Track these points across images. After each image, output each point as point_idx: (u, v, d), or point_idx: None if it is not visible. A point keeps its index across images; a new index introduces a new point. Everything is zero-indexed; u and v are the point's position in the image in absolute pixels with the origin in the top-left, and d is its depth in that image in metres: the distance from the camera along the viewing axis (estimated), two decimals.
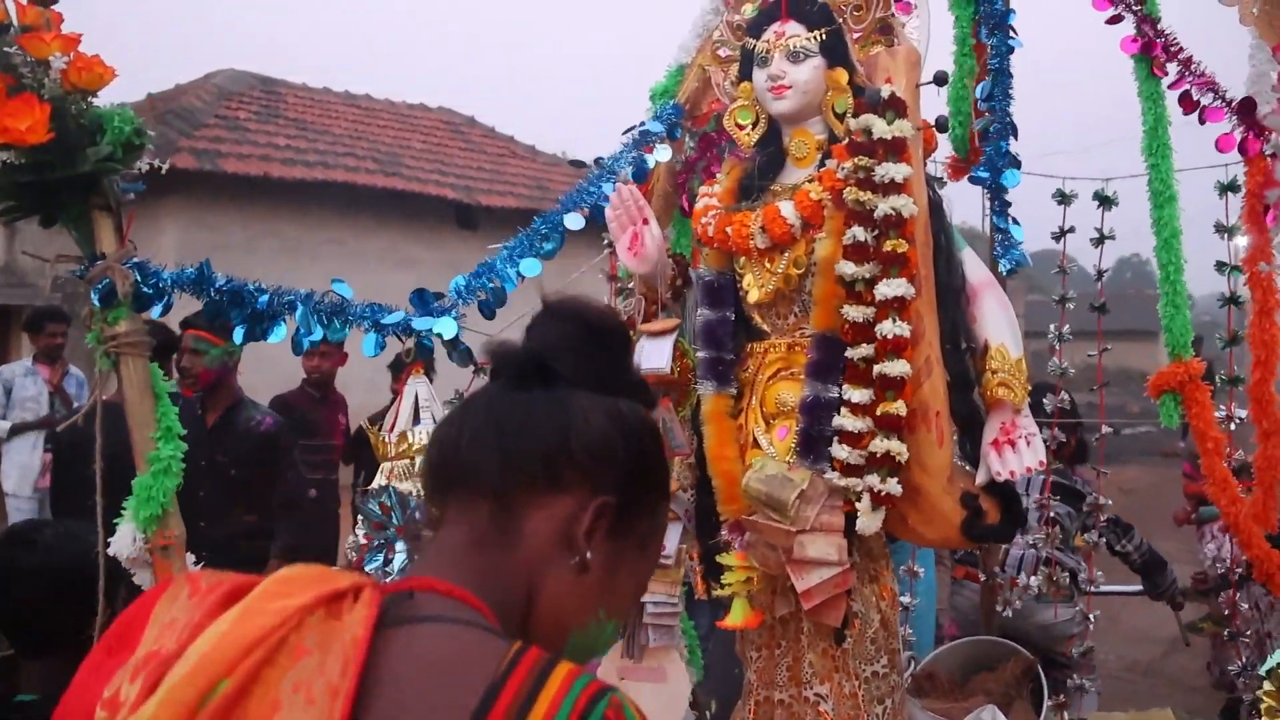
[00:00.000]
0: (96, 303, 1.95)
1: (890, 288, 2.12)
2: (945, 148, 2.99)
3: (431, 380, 2.72)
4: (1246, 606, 5.12)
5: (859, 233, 2.14)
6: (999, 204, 2.85)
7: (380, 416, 5.31)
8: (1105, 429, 3.43)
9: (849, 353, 2.19)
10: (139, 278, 1.96)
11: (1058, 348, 3.26)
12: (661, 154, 2.85)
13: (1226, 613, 3.79)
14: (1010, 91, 2.94)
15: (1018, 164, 2.86)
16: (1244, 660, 3.77)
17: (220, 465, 4.42)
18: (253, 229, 12.86)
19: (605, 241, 3.12)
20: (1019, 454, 2.22)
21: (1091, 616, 3.36)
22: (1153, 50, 2.82)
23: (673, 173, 3.02)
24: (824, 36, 2.35)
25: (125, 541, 1.96)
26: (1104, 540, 4.04)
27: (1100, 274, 3.34)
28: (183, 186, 11.66)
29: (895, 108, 2.15)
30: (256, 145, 13.18)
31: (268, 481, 4.50)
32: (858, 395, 2.17)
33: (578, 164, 2.93)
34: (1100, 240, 3.29)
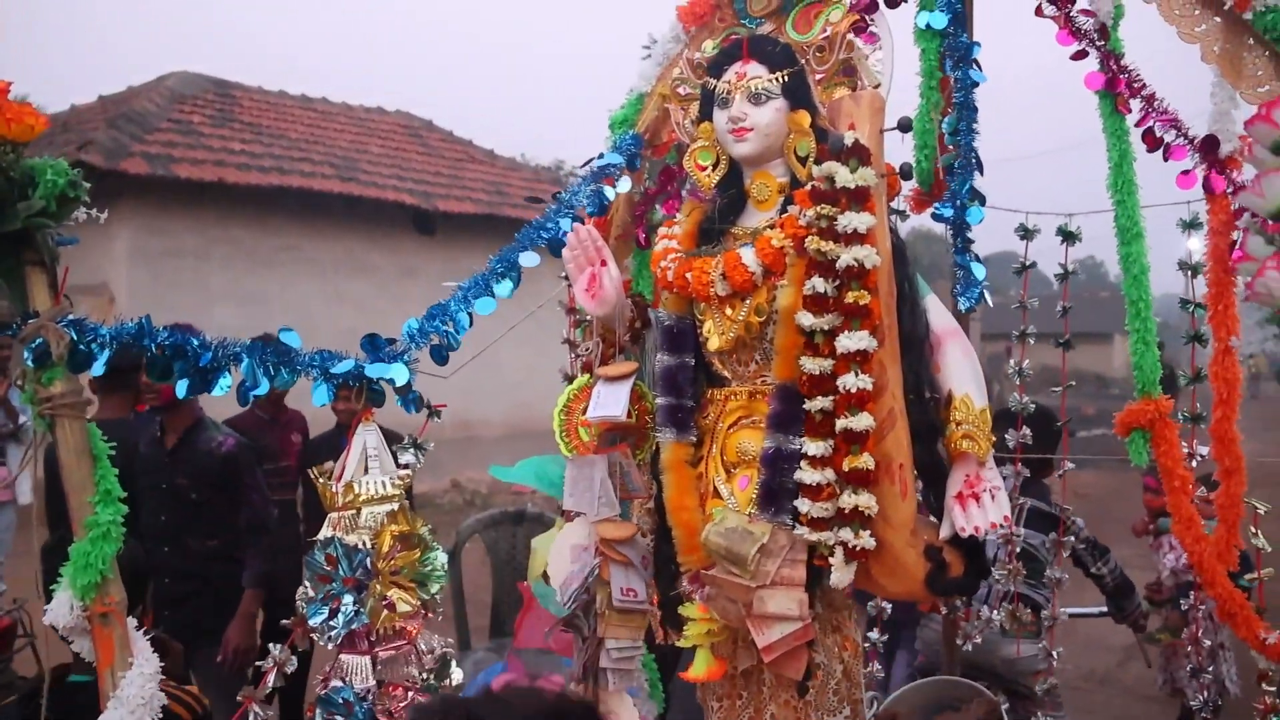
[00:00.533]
0: (29, 363, 1.87)
1: (851, 341, 2.07)
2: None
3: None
4: (1202, 614, 5.30)
5: (819, 284, 2.10)
6: (961, 241, 2.83)
7: (320, 446, 5.26)
8: (1067, 464, 3.42)
9: (807, 405, 2.14)
10: (75, 336, 1.88)
11: (1018, 382, 3.24)
12: (622, 186, 2.80)
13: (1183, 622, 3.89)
14: (975, 126, 2.92)
15: (982, 200, 2.84)
16: (1191, 667, 3.86)
17: (181, 488, 4.37)
18: (207, 235, 12.71)
19: (563, 274, 3.07)
20: (983, 509, 2.18)
21: (1055, 653, 3.35)
22: (1117, 86, 2.81)
23: (632, 203, 2.97)
24: (786, 78, 2.31)
25: (62, 610, 1.88)
26: (1079, 561, 4.05)
27: (1065, 310, 3.32)
28: (135, 192, 11.50)
29: (859, 155, 2.11)
30: (211, 150, 13.02)
31: (230, 505, 4.42)
32: (815, 447, 2.12)
33: (535, 200, 2.87)
34: (1065, 275, 3.27)
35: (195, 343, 2.02)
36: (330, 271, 13.79)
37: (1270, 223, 1.38)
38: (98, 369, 1.94)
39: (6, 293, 1.91)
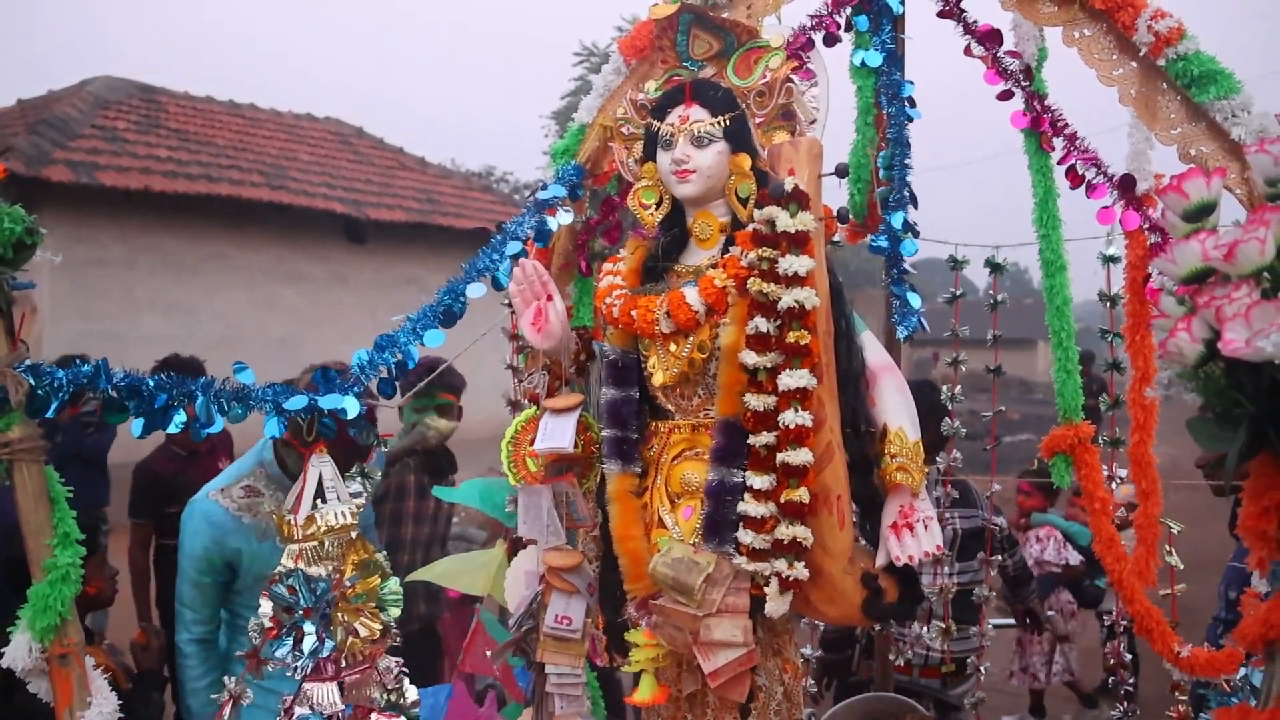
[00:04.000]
0: None
1: (793, 379, 2.16)
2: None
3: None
4: (1053, 613, 5.83)
5: (762, 323, 2.18)
6: (897, 272, 2.94)
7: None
8: (996, 482, 3.55)
9: (751, 440, 2.23)
10: (32, 381, 1.90)
11: (951, 408, 3.36)
12: (564, 218, 2.86)
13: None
14: (908, 161, 3.04)
15: (916, 233, 2.96)
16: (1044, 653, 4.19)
17: None
18: (132, 243, 12.51)
19: (506, 301, 3.12)
20: (917, 538, 2.28)
21: (983, 669, 3.47)
22: (1041, 126, 2.93)
23: (574, 233, 3.04)
24: (728, 122, 2.39)
25: (21, 653, 1.90)
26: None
27: (995, 339, 3.45)
28: (58, 200, 11.28)
29: (798, 200, 2.20)
30: (136, 157, 12.81)
31: None
32: (760, 481, 2.21)
33: (480, 231, 2.92)
34: (994, 306, 3.39)
35: (151, 383, 2.05)
36: (260, 280, 13.65)
37: (1181, 286, 1.48)
38: (52, 412, 1.96)
39: None
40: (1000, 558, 4.23)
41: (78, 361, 2.02)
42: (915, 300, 2.86)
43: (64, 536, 1.93)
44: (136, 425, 2.07)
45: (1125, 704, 3.32)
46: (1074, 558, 6.10)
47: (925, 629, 3.62)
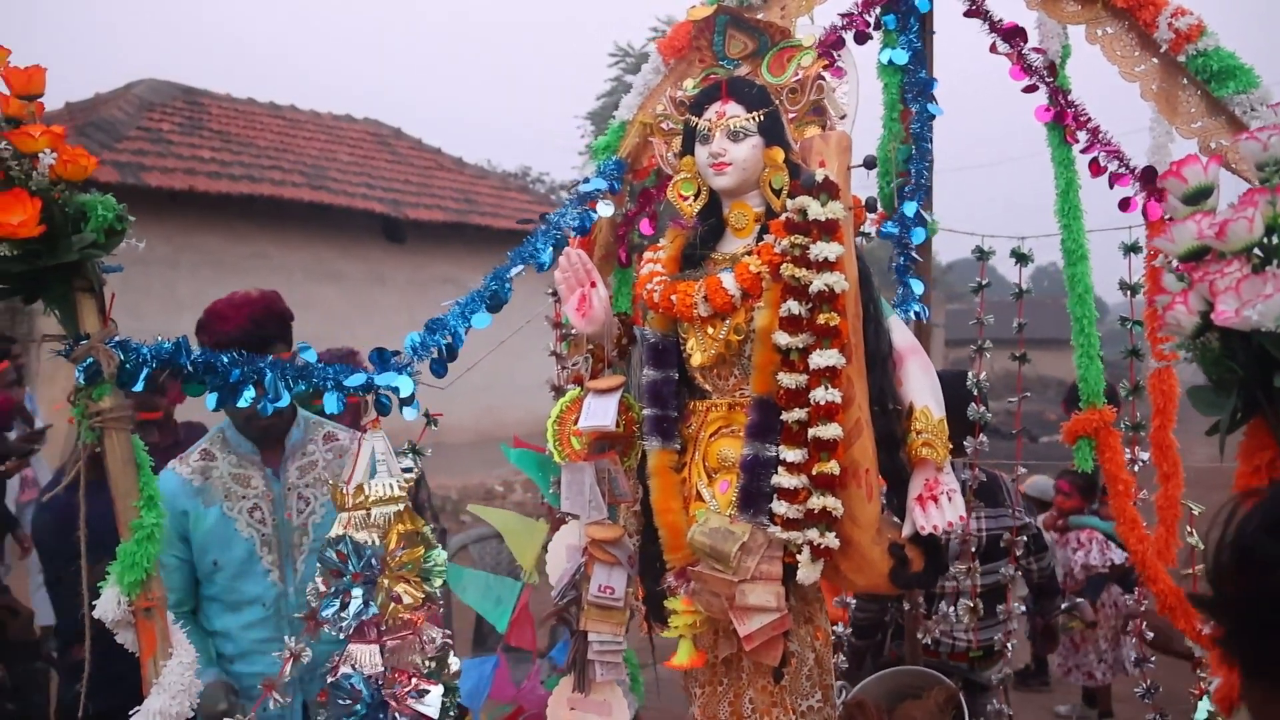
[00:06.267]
0: (81, 380, 2.06)
1: (823, 358, 2.30)
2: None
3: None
4: (1106, 607, 5.87)
5: (794, 306, 2.32)
6: (904, 259, 3.07)
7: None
8: (1020, 468, 3.66)
9: (784, 416, 2.36)
10: (121, 355, 2.07)
11: (976, 394, 3.47)
12: (604, 209, 2.99)
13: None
14: (929, 156, 3.17)
15: (925, 223, 3.08)
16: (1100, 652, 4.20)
17: None
18: (175, 243, 12.72)
19: (549, 290, 3.27)
20: (941, 509, 2.41)
21: (1010, 646, 3.58)
22: (1064, 119, 3.04)
23: (614, 225, 3.18)
24: (762, 117, 2.53)
25: (110, 605, 2.07)
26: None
27: (1020, 326, 3.57)
28: None
29: (828, 190, 2.33)
30: (180, 158, 13.04)
31: None
32: (793, 455, 2.35)
33: (526, 221, 3.07)
34: (1019, 295, 3.51)
35: (225, 360, 2.21)
36: (299, 279, 13.85)
37: (1180, 264, 1.60)
38: (139, 386, 2.13)
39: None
40: (1028, 561, 4.23)
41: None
42: (918, 287, 3.00)
43: (149, 499, 2.09)
44: (211, 399, 2.23)
45: (1147, 682, 3.42)
46: (1118, 556, 6.09)
47: (953, 609, 3.73)
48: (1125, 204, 3.02)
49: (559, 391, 3.31)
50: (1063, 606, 5.45)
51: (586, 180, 3.07)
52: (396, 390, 2.57)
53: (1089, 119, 3.05)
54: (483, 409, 13.65)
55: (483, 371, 2.99)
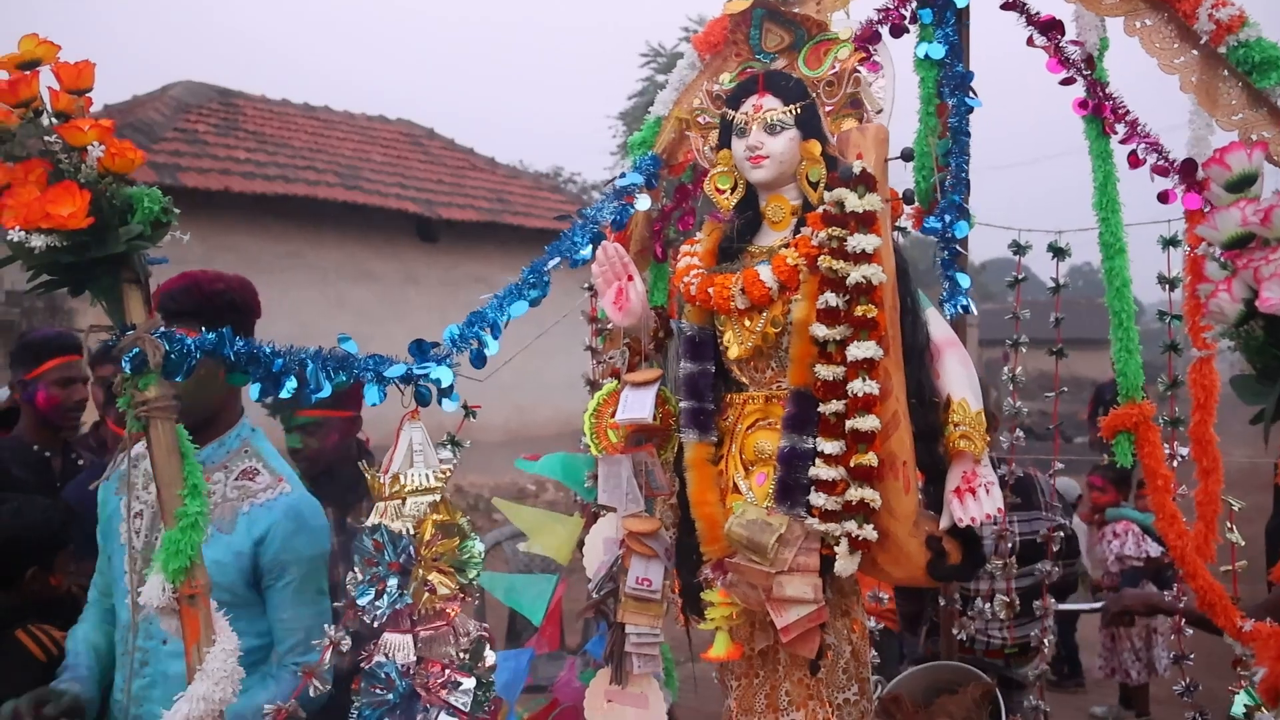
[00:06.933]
0: (127, 370, 2.09)
1: (860, 350, 2.30)
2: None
3: None
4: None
5: (831, 298, 2.32)
6: (949, 253, 3.06)
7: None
8: (1058, 465, 3.65)
9: (821, 408, 2.37)
10: (166, 345, 2.10)
11: (1013, 389, 3.46)
12: (641, 204, 3.00)
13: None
14: (967, 149, 3.15)
15: (967, 216, 3.07)
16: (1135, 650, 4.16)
17: None
18: (211, 242, 12.81)
19: (585, 284, 3.28)
20: (979, 501, 2.41)
21: (1047, 641, 3.57)
22: (1102, 112, 3.02)
23: (649, 220, 3.19)
24: (799, 111, 2.53)
25: (155, 592, 2.10)
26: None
27: (1058, 320, 3.56)
28: None
29: (866, 183, 2.33)
30: (216, 159, 13.17)
31: None
32: (830, 447, 2.35)
33: (563, 216, 3.08)
34: (1056, 289, 3.50)
35: (267, 350, 2.23)
36: (332, 279, 13.97)
37: (1223, 251, 1.60)
38: (182, 376, 2.16)
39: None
40: (1058, 566, 4.15)
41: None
42: (964, 281, 2.99)
43: (193, 488, 2.12)
44: (254, 389, 2.25)
45: (1186, 679, 3.40)
46: (1154, 549, 6.10)
47: (989, 604, 3.72)
48: (1164, 197, 3.00)
49: (594, 386, 3.32)
50: (1087, 607, 5.42)
51: (623, 175, 3.08)
52: (437, 381, 2.59)
53: (1127, 111, 3.03)
54: (512, 408, 13.71)
55: (513, 371, 2.99)
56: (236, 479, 2.84)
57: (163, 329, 2.12)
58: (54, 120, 2.00)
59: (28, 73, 1.98)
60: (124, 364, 2.09)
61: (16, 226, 1.93)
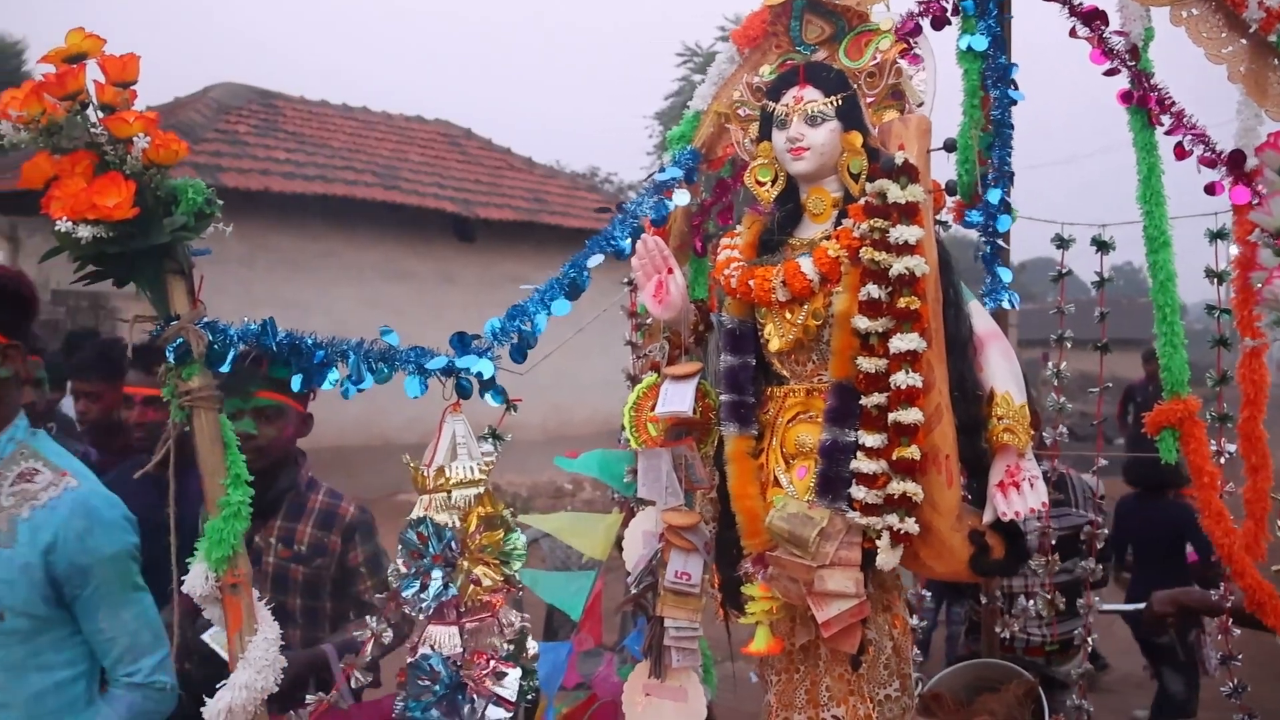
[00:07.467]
0: (171, 361, 2.11)
1: (903, 342, 2.28)
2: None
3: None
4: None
5: (874, 290, 2.30)
6: (991, 247, 3.04)
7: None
8: (1101, 463, 3.60)
9: (863, 400, 2.35)
10: (209, 336, 2.12)
11: (1056, 384, 3.42)
12: (680, 198, 2.99)
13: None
14: (1010, 142, 3.13)
15: (1010, 210, 3.05)
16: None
17: None
18: (251, 242, 12.95)
19: (625, 280, 3.28)
20: (1023, 495, 2.38)
21: (1091, 639, 3.52)
22: (1147, 103, 2.98)
23: (689, 215, 3.18)
24: (840, 102, 2.51)
25: (198, 580, 2.12)
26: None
27: (1102, 315, 3.52)
28: None
29: (908, 174, 2.31)
30: (256, 159, 13.29)
31: None
32: (872, 440, 2.33)
33: (603, 209, 3.08)
34: (1100, 283, 3.46)
35: (310, 341, 2.25)
36: (369, 278, 14.05)
37: (1277, 238, 1.57)
38: (226, 366, 2.18)
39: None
40: (1099, 565, 4.06)
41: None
42: (1006, 275, 2.97)
43: (235, 477, 2.14)
44: (296, 380, 2.27)
45: (1234, 680, 3.35)
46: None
47: (1032, 602, 3.69)
48: (1211, 189, 2.97)
49: (634, 381, 3.32)
50: (1129, 608, 5.34)
51: (662, 170, 3.08)
52: (479, 374, 2.60)
53: (1173, 102, 2.99)
54: (550, 408, 13.73)
55: (550, 371, 2.99)
56: (12, 484, 2.43)
57: (206, 320, 2.14)
58: (100, 112, 2.02)
59: (74, 66, 2.00)
60: (168, 354, 2.11)
61: (64, 217, 1.96)
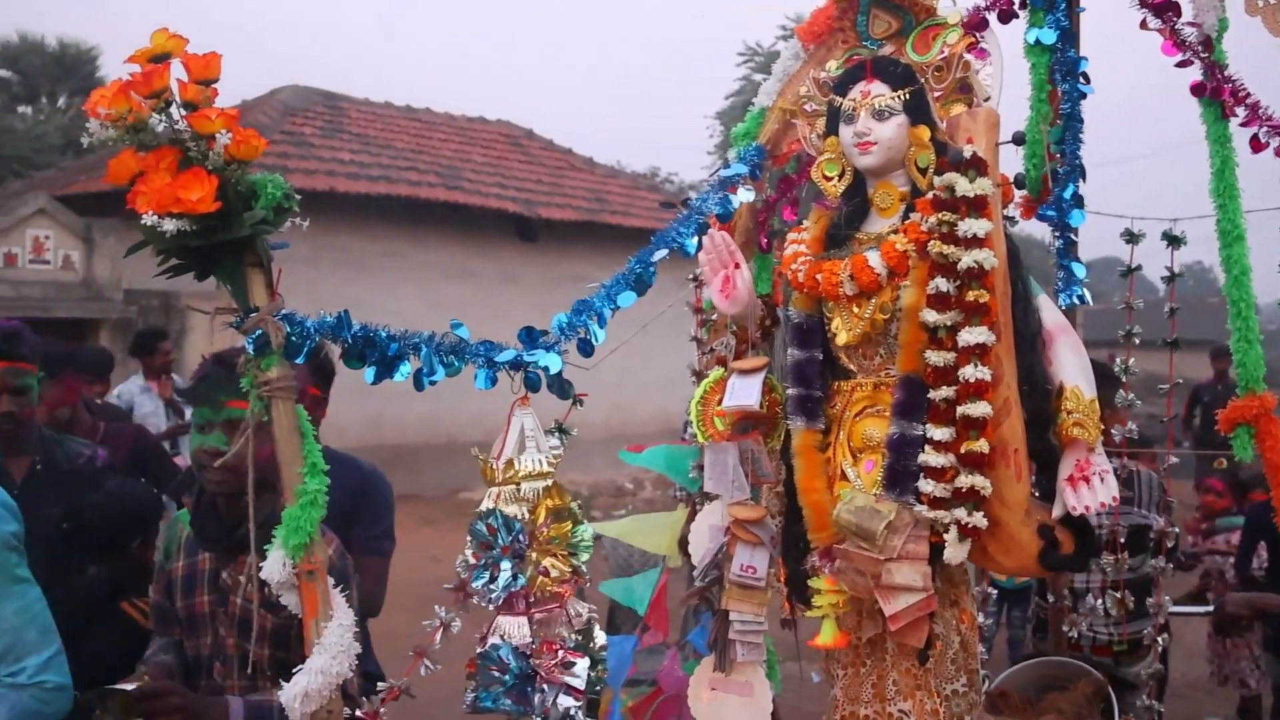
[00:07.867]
0: (251, 352, 2.16)
1: (972, 335, 2.28)
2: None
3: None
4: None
5: (942, 283, 2.30)
6: (1064, 243, 3.00)
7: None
8: (1171, 458, 3.56)
9: (931, 394, 2.35)
10: (288, 328, 2.17)
11: (1124, 380, 3.39)
12: (745, 195, 2.99)
13: None
14: (1080, 136, 3.09)
15: (1082, 205, 3.02)
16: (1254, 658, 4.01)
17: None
18: (315, 242, 13.12)
19: (690, 276, 3.29)
20: (1093, 490, 2.37)
21: (1161, 639, 3.49)
22: (1221, 95, 2.94)
23: (754, 211, 3.18)
24: (907, 96, 2.51)
25: (276, 567, 2.17)
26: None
27: (1173, 311, 3.48)
28: None
29: (977, 167, 2.31)
30: (321, 160, 13.49)
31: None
32: (940, 433, 2.33)
33: (669, 205, 3.10)
34: (1171, 279, 3.42)
35: (384, 334, 2.29)
36: (433, 277, 14.20)
37: None
38: (302, 358, 2.23)
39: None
40: (1170, 564, 4.03)
41: None
42: (1080, 270, 2.93)
43: (312, 466, 2.19)
44: (369, 373, 2.31)
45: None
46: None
47: (1101, 601, 3.65)
48: None
49: (700, 377, 3.33)
50: (1200, 610, 5.25)
51: (727, 166, 3.09)
52: (546, 368, 2.62)
53: (1248, 94, 2.94)
54: (612, 407, 13.78)
55: (613, 370, 3.00)
56: None
57: (284, 311, 2.19)
58: (183, 110, 2.08)
59: (159, 65, 2.06)
60: (248, 345, 2.17)
61: (150, 211, 2.01)
